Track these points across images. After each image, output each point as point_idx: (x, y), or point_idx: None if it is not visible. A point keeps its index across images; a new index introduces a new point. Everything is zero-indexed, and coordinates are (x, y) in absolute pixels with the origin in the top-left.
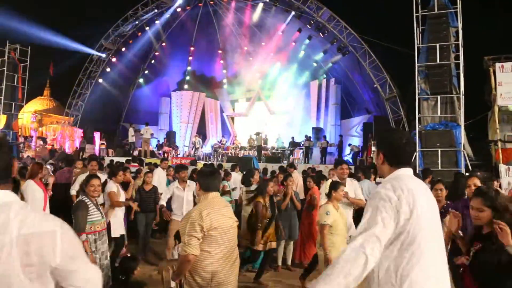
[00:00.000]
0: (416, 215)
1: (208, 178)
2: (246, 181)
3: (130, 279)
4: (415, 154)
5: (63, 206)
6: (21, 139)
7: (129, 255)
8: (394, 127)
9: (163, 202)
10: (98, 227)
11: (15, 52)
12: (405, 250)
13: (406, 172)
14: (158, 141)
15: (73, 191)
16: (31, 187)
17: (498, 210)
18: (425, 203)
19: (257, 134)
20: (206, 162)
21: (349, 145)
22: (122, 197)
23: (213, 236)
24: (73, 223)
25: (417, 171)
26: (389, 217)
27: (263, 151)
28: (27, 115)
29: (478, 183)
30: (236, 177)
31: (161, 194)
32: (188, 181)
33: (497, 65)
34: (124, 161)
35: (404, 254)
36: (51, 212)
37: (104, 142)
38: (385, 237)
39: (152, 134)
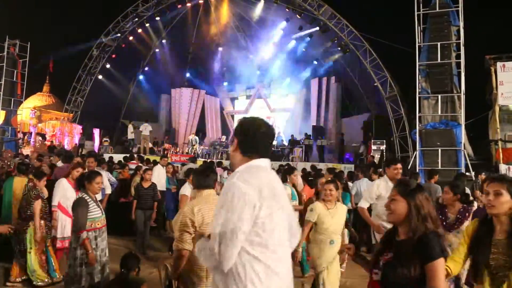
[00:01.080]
0: (269, 211)
1: (200, 175)
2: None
3: (130, 276)
4: (415, 153)
5: None
6: (20, 135)
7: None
8: (394, 125)
9: None
10: (98, 224)
11: (14, 48)
12: (256, 246)
13: (261, 163)
14: (155, 138)
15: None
16: (63, 185)
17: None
18: (278, 199)
19: None
20: (206, 160)
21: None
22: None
23: (204, 232)
24: (73, 220)
25: (417, 170)
26: (246, 212)
27: None
28: (26, 111)
29: (502, 190)
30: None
31: (160, 191)
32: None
33: (498, 64)
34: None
35: (254, 251)
36: (50, 209)
37: (107, 139)
38: (241, 233)
39: (151, 131)
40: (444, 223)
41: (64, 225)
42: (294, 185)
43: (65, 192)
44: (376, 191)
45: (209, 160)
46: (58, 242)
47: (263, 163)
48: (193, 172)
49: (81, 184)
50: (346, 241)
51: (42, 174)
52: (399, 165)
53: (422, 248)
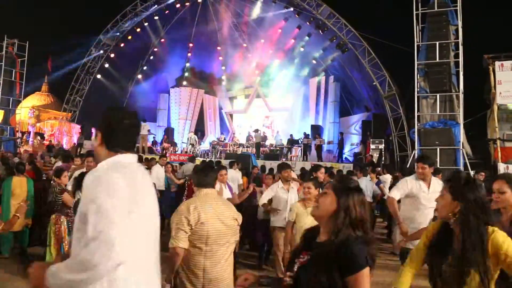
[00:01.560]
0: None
1: (199, 174)
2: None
3: None
4: (413, 152)
5: None
6: (18, 135)
7: None
8: (392, 124)
9: (264, 201)
10: None
11: (13, 47)
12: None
13: (126, 159)
14: (153, 137)
15: (69, 187)
16: None
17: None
18: (146, 199)
19: (256, 131)
20: (205, 159)
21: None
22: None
23: (201, 231)
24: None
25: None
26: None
27: (261, 148)
28: (24, 111)
29: (505, 188)
30: (234, 174)
31: (159, 190)
32: (292, 181)
33: (497, 63)
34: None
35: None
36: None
37: None
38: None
39: (149, 131)
40: None
41: None
42: (321, 184)
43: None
44: (406, 187)
45: (208, 160)
46: None
47: (128, 159)
48: (193, 170)
49: (79, 185)
50: None
51: (61, 171)
52: (420, 164)
53: (343, 256)
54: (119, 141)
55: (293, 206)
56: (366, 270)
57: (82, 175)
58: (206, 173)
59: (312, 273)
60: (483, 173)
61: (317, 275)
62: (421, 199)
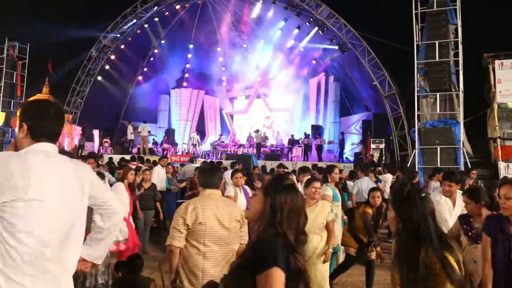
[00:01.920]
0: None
1: (205, 175)
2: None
3: (139, 276)
4: (414, 151)
5: None
6: None
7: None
8: (393, 124)
9: None
10: None
11: (14, 50)
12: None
13: (45, 148)
14: (153, 139)
15: None
16: (120, 190)
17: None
18: (46, 189)
19: (257, 131)
20: (206, 160)
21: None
22: None
23: (198, 231)
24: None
25: (416, 169)
26: None
27: (262, 149)
28: None
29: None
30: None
31: (160, 191)
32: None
33: (497, 62)
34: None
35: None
36: None
37: (108, 140)
38: None
39: (149, 132)
40: (470, 234)
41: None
42: (336, 185)
43: (121, 196)
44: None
45: (208, 160)
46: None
47: (46, 148)
48: (199, 171)
49: None
50: (338, 240)
51: None
52: (447, 182)
53: (254, 254)
54: (43, 132)
55: None
56: (274, 271)
57: None
58: (212, 174)
59: (235, 274)
60: (474, 172)
61: (236, 277)
62: (446, 214)
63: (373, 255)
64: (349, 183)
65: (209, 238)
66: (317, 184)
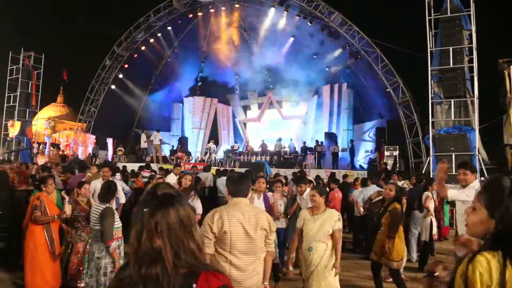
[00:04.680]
0: None
1: (235, 183)
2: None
3: None
4: (428, 159)
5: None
6: (35, 145)
7: None
8: (407, 131)
9: None
10: (120, 233)
11: (29, 59)
12: None
13: None
14: (172, 146)
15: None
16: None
17: None
18: None
19: (279, 140)
20: (219, 168)
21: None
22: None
23: (224, 240)
24: (101, 231)
25: (431, 176)
26: None
27: (275, 157)
28: (40, 122)
29: None
30: None
31: None
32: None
33: None
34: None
35: None
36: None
37: (122, 148)
38: None
39: (161, 140)
40: None
41: None
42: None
43: None
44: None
45: (222, 169)
46: None
47: None
48: (228, 179)
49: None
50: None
51: (82, 183)
52: (461, 170)
53: None
54: None
55: (301, 213)
56: None
57: (109, 187)
58: (241, 183)
59: None
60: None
61: None
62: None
63: (391, 263)
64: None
65: (234, 247)
66: (313, 192)
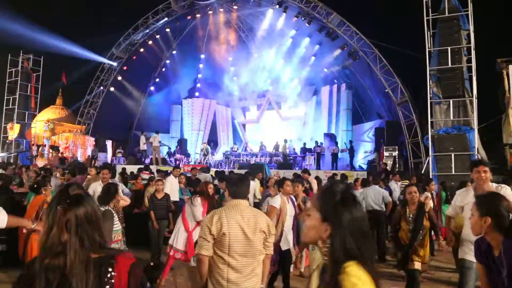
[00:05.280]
0: None
1: (235, 185)
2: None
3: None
4: (427, 159)
5: None
6: (34, 148)
7: (152, 263)
8: (406, 131)
9: None
10: (119, 236)
11: (28, 62)
12: None
13: None
14: (169, 148)
15: None
16: (196, 204)
17: None
18: None
19: (285, 141)
20: (218, 170)
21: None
22: None
23: (222, 241)
24: None
25: (431, 176)
26: None
27: (274, 158)
28: (40, 124)
29: None
30: (252, 184)
31: (173, 201)
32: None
33: (510, 67)
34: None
35: None
36: None
37: (121, 150)
38: None
39: (160, 142)
40: None
41: (178, 237)
42: None
43: (195, 209)
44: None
45: (220, 170)
46: (171, 250)
47: None
48: (228, 181)
49: (106, 197)
50: None
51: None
52: (481, 167)
53: None
54: None
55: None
56: None
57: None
58: (241, 184)
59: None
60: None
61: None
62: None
63: (416, 264)
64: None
65: (233, 249)
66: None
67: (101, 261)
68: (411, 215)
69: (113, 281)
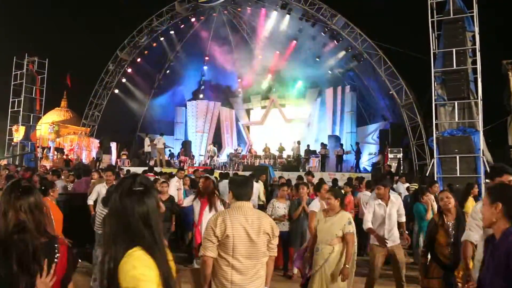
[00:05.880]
0: None
1: (239, 187)
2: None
3: None
4: (432, 161)
5: (81, 215)
6: (39, 150)
7: None
8: (410, 133)
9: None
10: None
11: (33, 65)
12: None
13: None
14: (170, 150)
15: (90, 201)
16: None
17: None
18: None
19: (298, 143)
20: (222, 171)
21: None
22: None
23: (226, 243)
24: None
25: (436, 178)
26: None
27: (278, 160)
28: (44, 126)
29: None
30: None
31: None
32: (392, 195)
33: None
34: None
35: None
36: (69, 223)
37: (126, 152)
38: None
39: (164, 144)
40: None
41: None
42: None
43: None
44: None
45: (225, 172)
46: None
47: None
48: (232, 182)
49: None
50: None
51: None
52: (505, 177)
53: None
54: None
55: (317, 214)
56: None
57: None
58: (245, 186)
59: None
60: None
61: None
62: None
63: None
64: (366, 193)
65: (237, 251)
66: (328, 194)
67: (49, 243)
68: (450, 226)
69: (56, 260)
